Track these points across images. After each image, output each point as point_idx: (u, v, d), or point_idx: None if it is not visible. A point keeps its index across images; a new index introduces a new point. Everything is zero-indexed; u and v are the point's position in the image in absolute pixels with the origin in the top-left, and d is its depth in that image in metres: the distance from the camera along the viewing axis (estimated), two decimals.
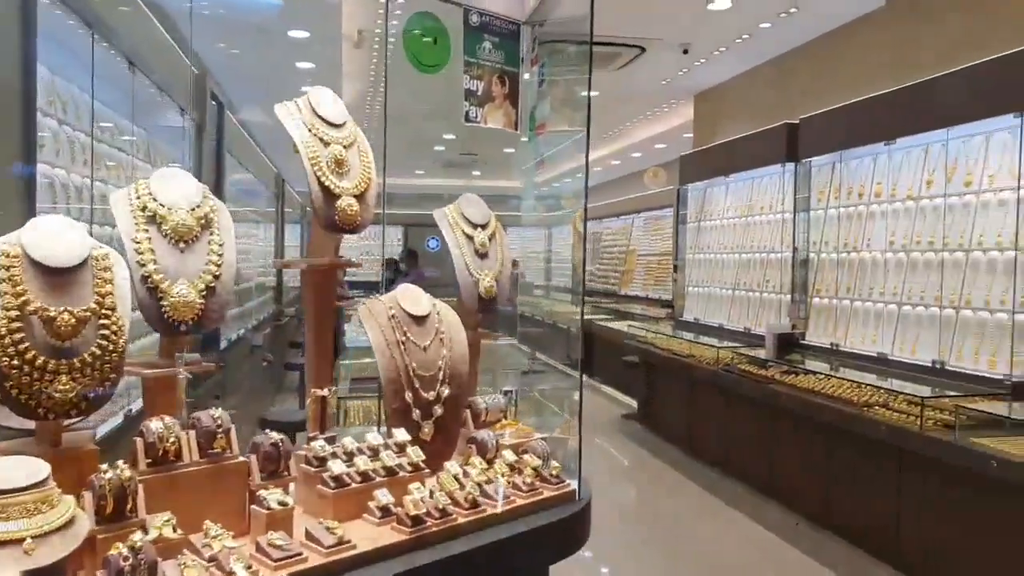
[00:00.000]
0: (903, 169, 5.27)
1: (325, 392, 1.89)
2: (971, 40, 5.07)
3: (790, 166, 6.32)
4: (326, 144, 1.96)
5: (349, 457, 1.82)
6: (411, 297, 2.09)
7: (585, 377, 11.33)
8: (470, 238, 2.37)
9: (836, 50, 6.69)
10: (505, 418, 2.36)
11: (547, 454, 2.13)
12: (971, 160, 4.70)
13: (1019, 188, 4.22)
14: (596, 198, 17.54)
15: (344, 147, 1.99)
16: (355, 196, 1.95)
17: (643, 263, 13.35)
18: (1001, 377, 4.20)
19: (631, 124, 11.10)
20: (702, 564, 4.54)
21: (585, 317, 11.56)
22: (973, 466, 3.58)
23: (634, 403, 8.51)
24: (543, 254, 20.52)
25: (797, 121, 6.18)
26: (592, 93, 7.74)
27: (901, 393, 4.39)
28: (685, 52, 7.07)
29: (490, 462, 2.05)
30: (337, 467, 1.76)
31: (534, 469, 2.01)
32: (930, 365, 4.73)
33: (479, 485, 1.87)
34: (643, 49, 7.05)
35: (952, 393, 4.26)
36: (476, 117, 2.54)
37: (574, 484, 2.01)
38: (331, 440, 1.87)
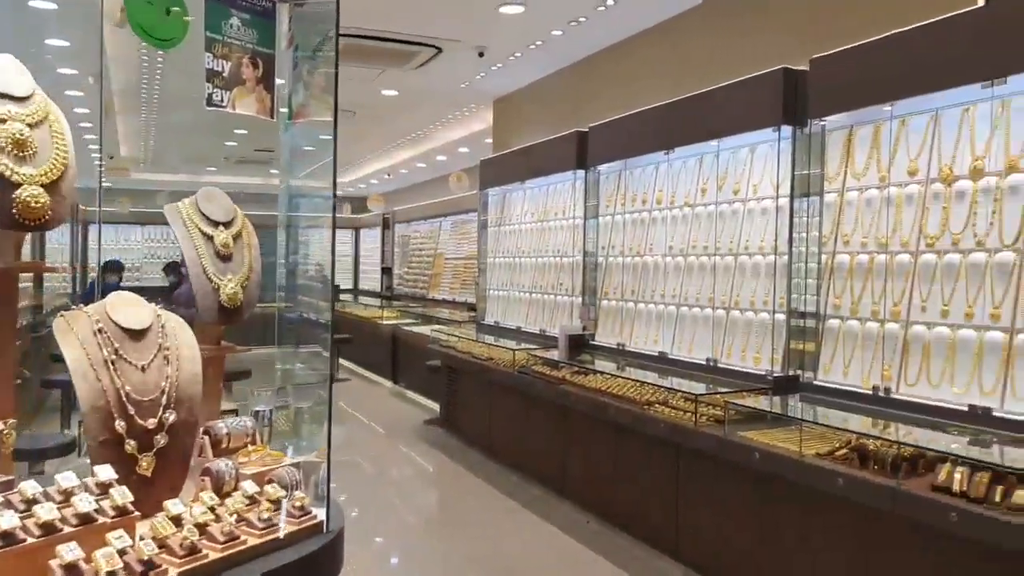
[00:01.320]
0: (681, 177, 5.56)
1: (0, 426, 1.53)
2: (747, 55, 5.42)
3: (581, 173, 6.49)
4: (1, 121, 1.60)
5: (28, 506, 1.48)
6: (125, 307, 1.77)
7: (391, 383, 11.12)
8: (209, 238, 2.08)
9: (625, 61, 6.98)
10: (254, 443, 2.09)
11: (296, 482, 1.90)
12: (739, 170, 5.03)
13: (777, 197, 4.57)
14: (404, 201, 17.32)
15: (29, 126, 1.63)
16: (43, 185, 1.60)
17: (450, 267, 13.32)
18: (764, 373, 4.51)
19: (434, 126, 11.02)
20: (498, 568, 4.48)
21: (392, 322, 11.32)
22: (740, 459, 3.78)
23: (438, 408, 8.40)
24: (351, 257, 19.97)
25: (587, 129, 6.35)
26: (390, 92, 7.51)
27: (679, 391, 4.58)
28: (481, 55, 7.06)
29: (225, 496, 1.78)
30: (6, 520, 1.42)
31: (274, 502, 1.77)
32: (704, 363, 5.00)
33: (201, 526, 1.60)
34: (439, 49, 6.96)
35: (724, 390, 4.51)
36: (222, 101, 2.24)
37: (323, 515, 1.79)
38: (7, 486, 1.52)
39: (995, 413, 3.28)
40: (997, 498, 2.73)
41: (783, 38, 5.22)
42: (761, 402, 4.30)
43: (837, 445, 3.43)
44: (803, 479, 3.42)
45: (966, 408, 3.39)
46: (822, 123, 4.30)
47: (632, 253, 5.99)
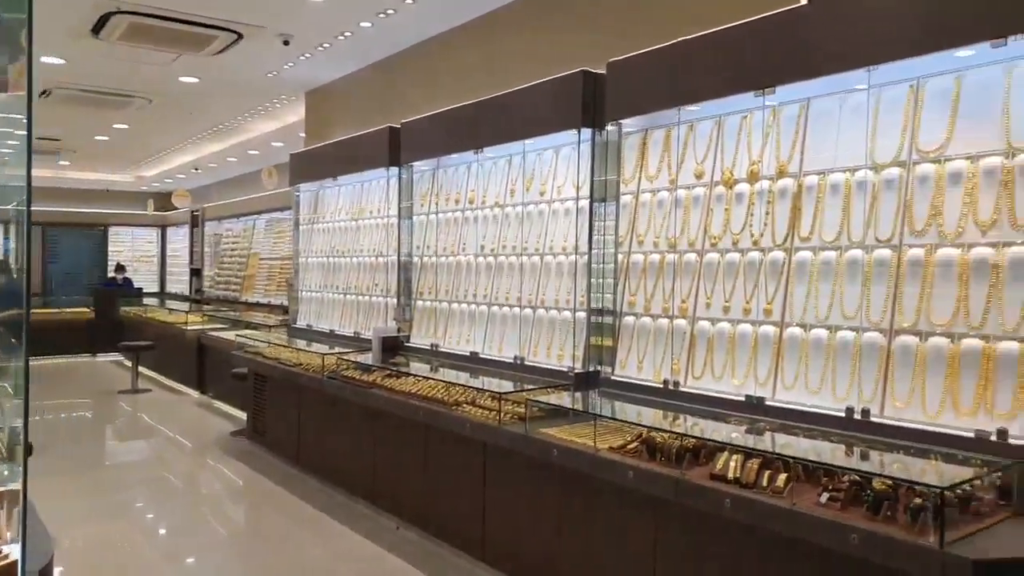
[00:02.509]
0: (492, 177, 5.56)
1: None
2: (555, 56, 5.48)
3: (394, 170, 6.33)
4: None
5: None
6: None
7: (197, 393, 10.34)
8: None
9: (438, 57, 6.89)
10: None
11: None
12: (545, 171, 5.10)
13: (578, 199, 4.66)
14: (215, 197, 16.28)
15: None
16: None
17: (265, 267, 12.65)
18: (566, 369, 4.57)
19: (243, 118, 10.38)
20: None
21: (198, 327, 10.54)
22: (542, 456, 3.79)
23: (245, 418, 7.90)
24: (156, 258, 18.48)
25: (399, 125, 6.20)
26: (190, 79, 6.92)
27: (485, 390, 4.54)
28: (286, 44, 6.70)
29: None
30: None
31: None
32: (513, 361, 5.01)
33: None
34: (240, 35, 6.51)
35: (531, 387, 4.53)
36: None
37: (16, 552, 1.52)
38: None
39: (768, 402, 3.50)
40: (764, 483, 2.89)
41: (589, 39, 5.33)
42: (564, 398, 4.36)
43: (629, 439, 3.52)
44: (598, 473, 3.47)
45: (743, 398, 3.59)
46: (619, 126, 4.42)
47: (446, 253, 5.92)
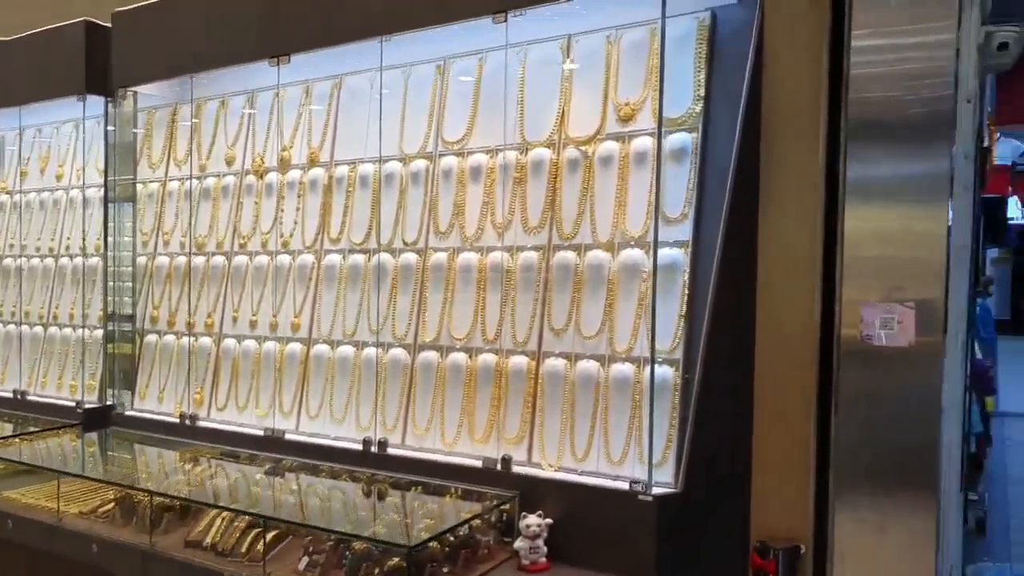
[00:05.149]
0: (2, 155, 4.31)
1: None
2: None
3: None
4: None
5: None
6: None
7: None
8: None
9: None
10: None
11: None
12: (63, 149, 4.02)
13: (84, 187, 3.70)
14: None
15: None
16: None
17: None
18: (74, 405, 3.58)
19: None
20: None
21: None
22: None
23: None
24: None
25: None
26: None
27: None
28: None
29: None
30: None
31: None
32: (12, 396, 3.85)
33: None
34: None
35: (34, 429, 3.49)
36: None
37: None
38: None
39: (289, 436, 2.90)
40: (245, 548, 2.28)
41: None
42: (70, 443, 3.39)
43: (111, 497, 2.71)
44: (62, 549, 2.61)
45: (262, 433, 2.96)
46: (135, 96, 3.54)
47: None
